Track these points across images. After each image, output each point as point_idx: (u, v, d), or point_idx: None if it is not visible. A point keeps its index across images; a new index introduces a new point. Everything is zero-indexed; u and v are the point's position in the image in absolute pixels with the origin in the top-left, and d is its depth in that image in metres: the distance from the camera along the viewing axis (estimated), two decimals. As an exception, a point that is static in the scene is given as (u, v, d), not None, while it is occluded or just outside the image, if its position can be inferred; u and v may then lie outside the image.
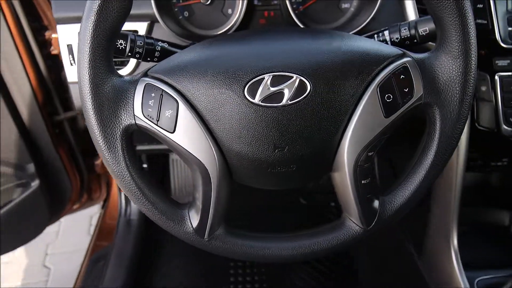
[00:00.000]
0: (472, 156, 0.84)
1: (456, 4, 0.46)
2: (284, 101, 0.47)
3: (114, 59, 0.66)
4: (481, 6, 0.70)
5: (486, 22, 0.70)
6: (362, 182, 0.51)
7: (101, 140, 0.49)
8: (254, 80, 0.48)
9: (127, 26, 0.78)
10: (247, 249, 0.54)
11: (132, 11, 0.75)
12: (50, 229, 1.88)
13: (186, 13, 0.80)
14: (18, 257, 1.77)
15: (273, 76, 0.48)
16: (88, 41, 0.47)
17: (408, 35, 0.60)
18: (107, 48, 0.48)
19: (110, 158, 0.50)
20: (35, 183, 1.13)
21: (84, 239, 1.70)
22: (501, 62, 0.71)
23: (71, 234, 1.87)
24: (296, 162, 0.50)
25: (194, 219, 0.53)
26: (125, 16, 0.49)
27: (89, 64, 0.47)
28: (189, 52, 0.53)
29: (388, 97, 0.49)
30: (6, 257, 1.75)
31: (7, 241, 1.14)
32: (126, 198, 1.38)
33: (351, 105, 0.49)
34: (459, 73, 0.48)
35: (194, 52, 0.52)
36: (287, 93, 0.47)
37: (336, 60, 0.49)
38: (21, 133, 1.06)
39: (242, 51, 0.51)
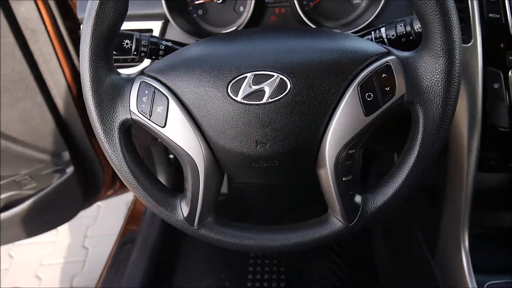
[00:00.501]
0: (488, 156, 0.80)
1: (438, 3, 0.45)
2: (265, 99, 0.49)
3: (127, 58, 0.71)
4: (493, -1, 0.67)
5: (499, 16, 0.67)
6: (344, 179, 0.52)
7: (101, 133, 0.54)
8: (237, 78, 0.50)
9: (143, 25, 0.83)
10: (233, 239, 0.57)
11: (146, 11, 0.82)
12: (90, 213, 2.03)
13: (200, 12, 0.84)
14: (61, 237, 1.93)
15: (255, 74, 0.50)
16: (88, 42, 0.51)
17: (404, 32, 0.59)
18: (106, 48, 0.53)
19: (109, 149, 0.55)
20: (70, 170, 1.23)
21: (120, 223, 1.81)
22: (516, 58, 0.68)
23: (109, 219, 2.00)
24: (278, 158, 0.52)
25: (184, 208, 0.57)
26: (122, 18, 0.53)
27: (89, 63, 0.52)
28: (182, 52, 0.56)
29: (369, 96, 0.49)
30: (51, 237, 1.92)
31: (43, 222, 1.26)
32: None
33: (331, 103, 0.50)
34: (442, 73, 0.47)
35: (186, 52, 0.56)
36: (268, 91, 0.49)
37: (317, 59, 0.50)
38: (57, 124, 1.16)
39: (228, 50, 0.53)
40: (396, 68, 0.49)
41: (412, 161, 0.51)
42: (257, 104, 0.50)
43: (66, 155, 1.22)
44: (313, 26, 0.76)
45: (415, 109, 0.50)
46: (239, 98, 0.50)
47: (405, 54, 0.50)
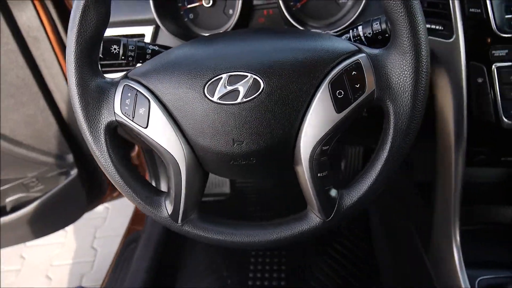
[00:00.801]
0: (477, 151, 0.80)
1: (403, 1, 0.46)
2: (239, 99, 0.51)
3: (121, 62, 0.73)
4: (474, -6, 0.67)
5: (480, 11, 0.67)
6: (319, 175, 0.53)
7: (88, 134, 0.57)
8: (213, 79, 0.52)
9: (135, 30, 0.85)
10: (216, 235, 0.59)
11: (138, 17, 0.85)
12: (99, 215, 2.08)
13: (191, 15, 0.86)
14: (70, 238, 1.98)
15: (230, 75, 0.51)
16: (73, 49, 0.54)
17: (380, 30, 0.60)
18: (90, 54, 0.55)
19: (96, 150, 0.57)
20: (74, 172, 1.27)
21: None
22: (498, 52, 0.68)
23: (117, 220, 2.04)
24: (255, 155, 0.53)
25: (169, 205, 0.59)
26: (104, 25, 0.55)
27: (75, 68, 0.54)
28: (163, 56, 0.58)
29: (340, 93, 0.50)
30: (60, 238, 1.97)
31: (49, 224, 1.30)
32: (156, 187, 1.49)
33: (304, 101, 0.51)
34: (409, 69, 0.48)
35: (167, 55, 0.58)
36: (242, 91, 0.51)
37: (289, 59, 0.51)
38: (60, 127, 1.20)
39: (205, 53, 0.55)
40: (366, 66, 0.50)
41: (385, 157, 0.52)
42: (232, 104, 0.51)
43: (70, 157, 1.26)
44: (299, 27, 0.78)
45: (385, 105, 0.51)
46: (215, 99, 0.52)
47: (375, 51, 0.52)
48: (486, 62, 0.69)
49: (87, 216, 1.69)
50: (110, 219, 2.08)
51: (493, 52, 0.68)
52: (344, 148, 1.47)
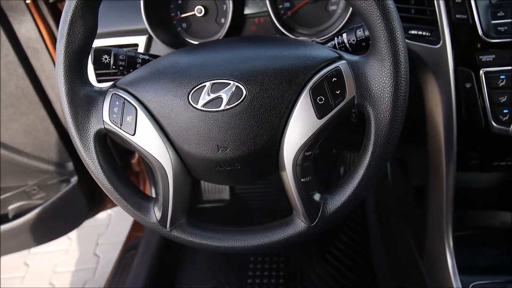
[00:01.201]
0: (469, 155, 0.80)
1: (378, 5, 0.47)
2: (222, 106, 0.52)
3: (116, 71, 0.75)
4: (459, 0, 0.68)
5: (466, 16, 0.68)
6: (302, 180, 0.54)
7: (77, 142, 0.58)
8: (197, 87, 0.53)
9: (129, 40, 0.87)
10: (203, 240, 0.60)
11: (131, 27, 0.86)
12: (102, 222, 2.10)
13: (184, 25, 0.88)
14: (73, 245, 2.00)
15: (213, 83, 0.53)
16: (62, 59, 0.55)
17: (363, 36, 0.61)
18: (79, 64, 0.57)
19: (86, 157, 0.59)
20: (74, 179, 1.28)
21: (130, 231, 1.87)
22: (486, 57, 0.68)
23: (119, 226, 2.06)
24: (240, 161, 0.54)
25: (157, 211, 0.60)
26: (92, 36, 0.57)
27: (64, 78, 0.56)
28: (150, 65, 0.60)
29: (320, 99, 0.51)
30: (64, 245, 1.99)
31: (50, 231, 1.31)
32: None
33: (286, 108, 0.52)
34: (388, 75, 0.49)
35: (154, 64, 0.59)
36: (225, 99, 0.52)
37: (271, 66, 0.52)
38: (60, 136, 1.21)
39: (190, 61, 0.56)
40: (346, 72, 0.51)
41: (367, 162, 0.52)
42: (216, 111, 0.52)
43: (71, 165, 1.28)
44: (290, 35, 0.79)
45: (366, 111, 0.51)
46: (199, 106, 0.53)
47: (355, 58, 0.52)
48: (474, 67, 0.69)
49: (90, 223, 1.71)
50: (113, 226, 2.09)
51: (481, 57, 0.69)
52: (343, 154, 1.48)
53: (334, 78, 0.51)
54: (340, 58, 0.52)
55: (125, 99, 0.56)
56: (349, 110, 0.52)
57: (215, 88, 0.52)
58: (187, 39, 0.89)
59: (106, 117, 0.57)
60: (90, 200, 1.37)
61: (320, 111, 0.51)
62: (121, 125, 0.56)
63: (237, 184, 0.61)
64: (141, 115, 0.56)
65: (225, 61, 0.54)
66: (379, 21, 0.47)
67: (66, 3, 0.55)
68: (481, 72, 0.69)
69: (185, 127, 0.54)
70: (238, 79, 0.52)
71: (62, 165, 1.27)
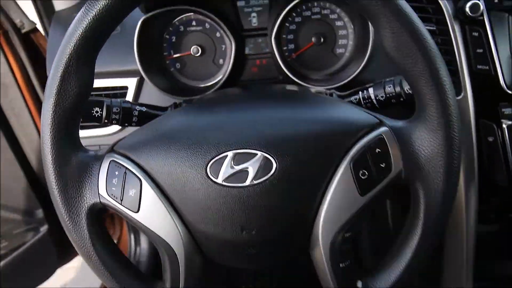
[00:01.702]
0: (486, 209, 0.77)
1: (431, 75, 0.41)
2: (248, 181, 0.44)
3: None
4: (480, 51, 0.65)
5: (487, 67, 0.65)
6: (340, 265, 0.46)
7: (66, 220, 0.48)
8: (216, 158, 0.45)
9: (117, 82, 0.78)
10: None
11: (121, 68, 0.77)
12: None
13: (178, 65, 0.80)
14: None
15: (236, 153, 0.45)
16: (49, 122, 0.46)
17: (394, 93, 0.56)
18: (70, 125, 0.47)
19: (77, 238, 0.49)
20: (43, 228, 1.15)
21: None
22: (508, 110, 0.65)
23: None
24: (268, 244, 0.47)
25: None
26: (87, 94, 0.48)
27: (51, 143, 0.46)
28: (155, 124, 0.51)
29: (363, 174, 0.44)
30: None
31: (19, 284, 1.16)
32: (135, 239, 1.37)
33: (322, 183, 0.45)
34: (440, 147, 0.43)
35: (160, 124, 0.51)
36: (251, 172, 0.44)
37: (304, 132, 0.45)
38: (30, 181, 1.09)
39: (205, 123, 0.48)
40: (390, 141, 0.45)
41: (415, 244, 0.46)
42: (240, 187, 0.44)
43: (40, 212, 1.14)
44: (295, 79, 0.73)
45: (414, 186, 0.45)
46: (219, 180, 0.45)
47: (399, 124, 0.46)
48: (496, 119, 0.66)
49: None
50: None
51: (503, 110, 0.65)
52: None
53: (378, 149, 0.44)
54: (381, 123, 0.46)
55: (126, 168, 0.47)
56: (394, 186, 0.45)
57: (238, 159, 0.45)
58: (182, 81, 0.81)
59: (103, 190, 0.48)
60: (61, 249, 1.23)
61: (362, 187, 0.44)
62: (121, 200, 0.47)
63: (258, 268, 0.52)
64: (147, 189, 0.47)
65: (249, 125, 0.47)
66: (430, 84, 0.42)
67: (58, 55, 0.45)
68: (503, 125, 0.66)
69: (203, 205, 0.45)
70: (266, 149, 0.44)
71: (31, 212, 1.13)
